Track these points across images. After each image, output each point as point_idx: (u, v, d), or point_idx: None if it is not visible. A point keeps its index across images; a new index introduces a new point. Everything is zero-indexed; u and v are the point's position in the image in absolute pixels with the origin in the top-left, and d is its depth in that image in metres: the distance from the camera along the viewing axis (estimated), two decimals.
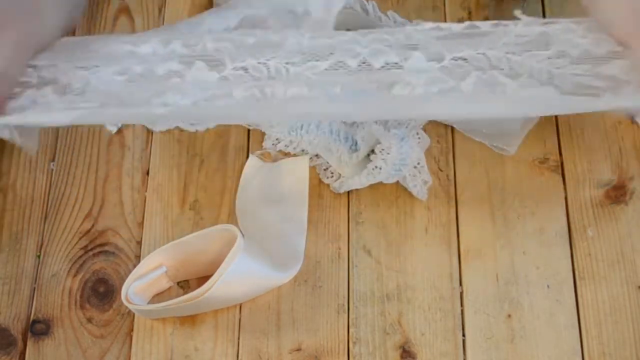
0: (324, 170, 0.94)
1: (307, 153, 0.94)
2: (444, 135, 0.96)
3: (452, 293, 0.88)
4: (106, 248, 0.91)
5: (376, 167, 0.88)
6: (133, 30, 1.03)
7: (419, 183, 0.90)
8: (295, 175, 0.93)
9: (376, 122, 0.93)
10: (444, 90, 0.81)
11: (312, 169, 0.94)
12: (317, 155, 0.94)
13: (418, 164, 0.90)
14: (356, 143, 0.93)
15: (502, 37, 0.85)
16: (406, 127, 0.90)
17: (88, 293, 0.89)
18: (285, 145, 0.94)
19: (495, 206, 0.92)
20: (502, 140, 0.94)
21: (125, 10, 1.04)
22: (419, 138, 0.91)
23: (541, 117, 0.95)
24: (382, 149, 0.88)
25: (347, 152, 0.92)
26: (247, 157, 0.95)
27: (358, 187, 0.91)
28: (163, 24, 1.03)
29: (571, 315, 0.86)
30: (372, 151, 0.90)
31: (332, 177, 0.93)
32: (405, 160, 0.88)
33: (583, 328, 0.86)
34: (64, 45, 0.87)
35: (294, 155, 0.94)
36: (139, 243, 0.91)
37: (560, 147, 0.95)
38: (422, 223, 0.91)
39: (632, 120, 0.95)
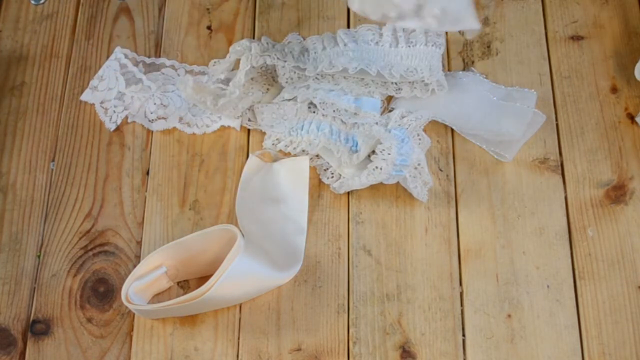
0: (324, 170, 0.94)
1: (307, 153, 0.94)
2: (444, 136, 0.96)
3: (452, 293, 0.88)
4: (106, 248, 0.91)
5: (377, 167, 0.88)
6: (133, 30, 1.03)
7: (419, 184, 0.90)
8: (295, 174, 0.93)
9: (377, 122, 0.93)
10: None
11: (312, 169, 0.94)
12: (317, 156, 0.94)
13: (419, 164, 0.90)
14: (357, 144, 0.93)
15: None
16: (407, 129, 0.90)
17: (88, 293, 0.89)
18: (286, 146, 0.94)
19: (495, 206, 0.92)
20: (501, 146, 0.94)
21: (125, 10, 1.04)
22: (420, 139, 0.91)
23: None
24: (383, 149, 0.88)
25: (347, 153, 0.92)
26: (247, 157, 0.95)
27: (358, 188, 0.91)
28: (163, 23, 1.03)
29: (571, 315, 0.86)
30: (373, 152, 0.90)
31: (332, 177, 0.93)
32: (405, 161, 0.88)
33: (583, 328, 0.86)
34: None
35: (294, 155, 0.94)
36: (139, 243, 0.91)
37: (560, 147, 0.95)
38: (422, 223, 0.91)
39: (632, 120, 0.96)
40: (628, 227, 0.90)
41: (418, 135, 0.91)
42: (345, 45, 0.97)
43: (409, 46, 0.97)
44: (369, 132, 0.91)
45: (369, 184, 0.90)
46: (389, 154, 0.88)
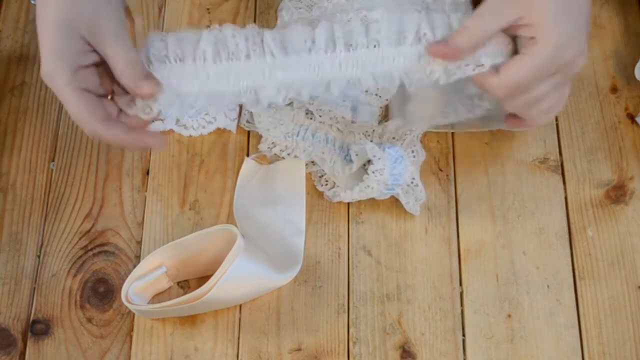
0: (319, 177, 0.93)
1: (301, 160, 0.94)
2: (444, 135, 0.96)
3: (452, 293, 0.88)
4: (106, 248, 0.91)
5: (368, 186, 0.88)
6: (133, 31, 1.03)
7: (412, 200, 0.90)
8: (291, 176, 0.93)
9: (373, 130, 0.92)
10: None
11: (308, 174, 0.94)
12: (313, 162, 0.94)
13: (412, 182, 0.90)
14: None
15: None
16: (401, 144, 0.90)
17: (88, 293, 0.89)
18: (281, 150, 0.94)
19: (495, 206, 0.92)
20: (492, 119, 0.93)
21: (125, 10, 1.04)
22: (414, 156, 0.91)
23: None
24: (375, 171, 0.88)
25: (340, 163, 0.92)
26: (248, 156, 0.95)
27: (350, 201, 0.91)
28: (163, 23, 1.03)
29: (571, 315, 0.87)
30: (369, 161, 0.89)
31: (326, 185, 0.93)
32: (398, 180, 0.88)
33: (583, 328, 0.86)
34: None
35: None
36: (139, 243, 0.91)
37: (560, 147, 0.95)
38: (422, 223, 0.91)
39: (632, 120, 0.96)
40: (628, 227, 0.90)
41: (412, 151, 0.91)
42: (273, 56, 0.80)
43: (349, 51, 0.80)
44: (362, 148, 0.90)
45: (360, 199, 0.90)
46: (381, 175, 0.88)
